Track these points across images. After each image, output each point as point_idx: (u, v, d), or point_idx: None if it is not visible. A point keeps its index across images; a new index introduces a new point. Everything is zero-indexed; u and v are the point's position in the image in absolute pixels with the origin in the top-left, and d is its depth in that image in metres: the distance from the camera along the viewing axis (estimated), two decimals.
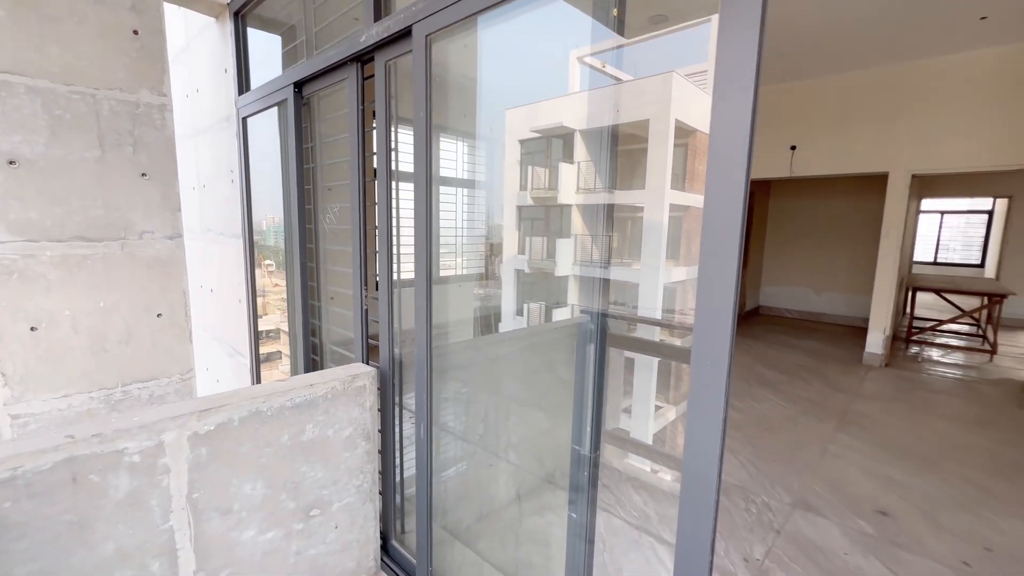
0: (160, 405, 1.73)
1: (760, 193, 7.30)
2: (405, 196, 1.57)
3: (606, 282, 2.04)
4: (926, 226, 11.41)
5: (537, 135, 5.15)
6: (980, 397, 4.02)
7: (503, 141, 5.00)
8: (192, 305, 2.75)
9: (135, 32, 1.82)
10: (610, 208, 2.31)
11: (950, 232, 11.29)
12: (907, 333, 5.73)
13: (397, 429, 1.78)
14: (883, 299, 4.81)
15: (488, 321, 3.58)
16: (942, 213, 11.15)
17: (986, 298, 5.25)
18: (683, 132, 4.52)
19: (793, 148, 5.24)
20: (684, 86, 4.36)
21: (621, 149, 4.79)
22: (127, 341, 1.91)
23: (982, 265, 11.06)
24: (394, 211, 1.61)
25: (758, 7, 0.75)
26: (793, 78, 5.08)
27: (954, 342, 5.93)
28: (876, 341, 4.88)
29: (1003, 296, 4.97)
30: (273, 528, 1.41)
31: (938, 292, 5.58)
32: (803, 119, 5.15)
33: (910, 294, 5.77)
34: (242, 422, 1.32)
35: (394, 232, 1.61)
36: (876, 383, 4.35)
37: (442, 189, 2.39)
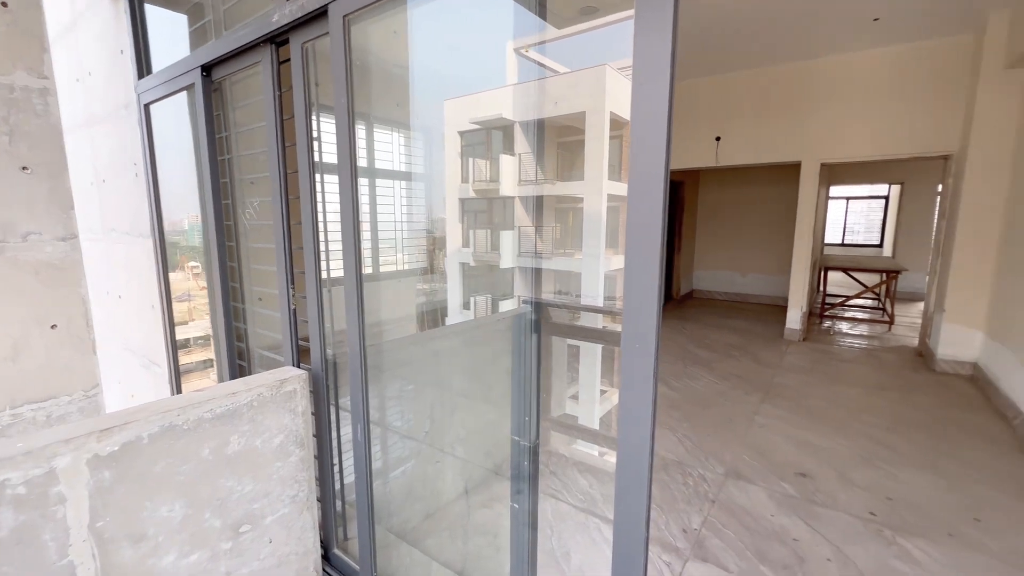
0: (55, 427, 1.54)
1: (691, 183, 7.68)
2: (333, 189, 1.49)
3: (548, 272, 2.05)
4: (834, 211, 12.54)
5: (477, 127, 5.09)
6: (882, 364, 4.49)
7: (442, 133, 4.90)
8: (96, 314, 2.48)
9: (3, 4, 1.59)
10: (549, 200, 2.32)
11: (854, 216, 12.47)
12: (821, 309, 6.28)
13: (335, 433, 1.71)
14: (799, 279, 5.22)
15: (434, 316, 3.51)
16: (847, 199, 12.29)
17: (884, 274, 5.86)
18: (618, 124, 4.63)
19: (718, 139, 5.54)
20: (617, 79, 4.46)
21: (560, 141, 4.85)
22: (14, 358, 1.68)
23: (881, 245, 12.35)
24: (319, 205, 1.52)
25: (670, 2, 0.77)
26: (717, 72, 5.36)
27: (860, 315, 6.58)
28: (795, 318, 5.30)
29: (898, 272, 5.56)
30: (197, 550, 1.31)
31: (845, 271, 6.15)
32: (727, 111, 5.45)
33: (822, 273, 6.32)
34: (153, 439, 1.20)
35: (320, 227, 1.52)
36: (795, 356, 4.73)
37: (380, 182, 2.30)
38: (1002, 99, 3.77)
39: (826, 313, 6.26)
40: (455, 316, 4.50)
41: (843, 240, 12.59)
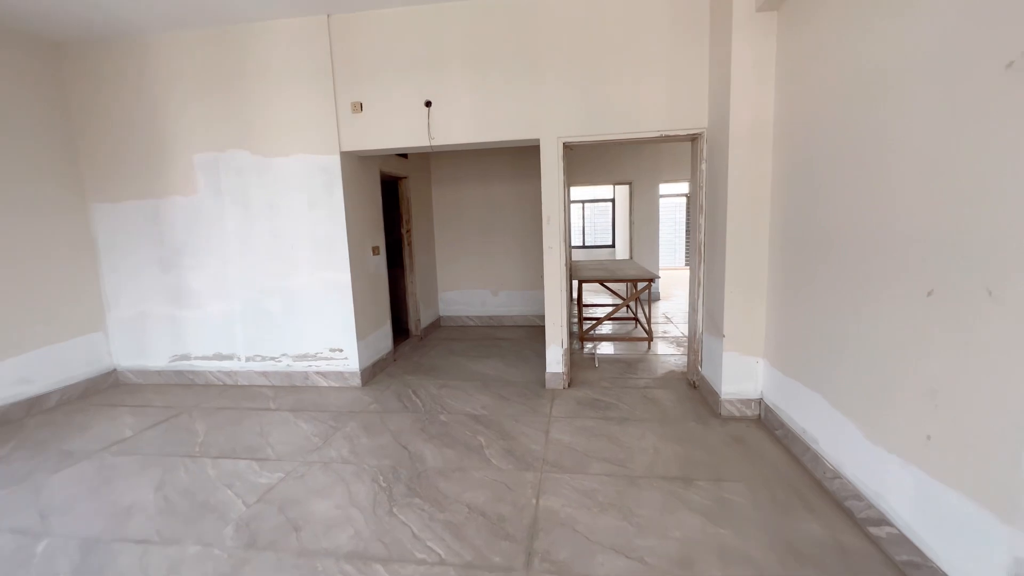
0: None
1: (417, 178, 5.77)
2: None
3: None
4: (575, 215, 12.88)
5: None
6: (665, 416, 3.27)
7: None
8: None
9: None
10: None
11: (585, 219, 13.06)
12: (580, 333, 5.13)
13: None
14: (555, 298, 3.75)
15: None
16: (583, 203, 12.76)
17: (635, 284, 5.03)
18: None
19: (428, 104, 3.65)
20: None
21: None
22: None
23: (613, 245, 13.26)
24: None
25: None
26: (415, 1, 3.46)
27: (620, 331, 5.77)
28: (555, 358, 3.82)
29: (651, 280, 4.75)
30: None
31: (602, 283, 5.15)
32: (437, 62, 3.62)
33: (577, 287, 5.20)
34: None
35: None
36: (563, 425, 3.16)
37: None
38: (762, 50, 2.83)
39: (587, 334, 5.16)
40: None
41: (583, 242, 13.06)
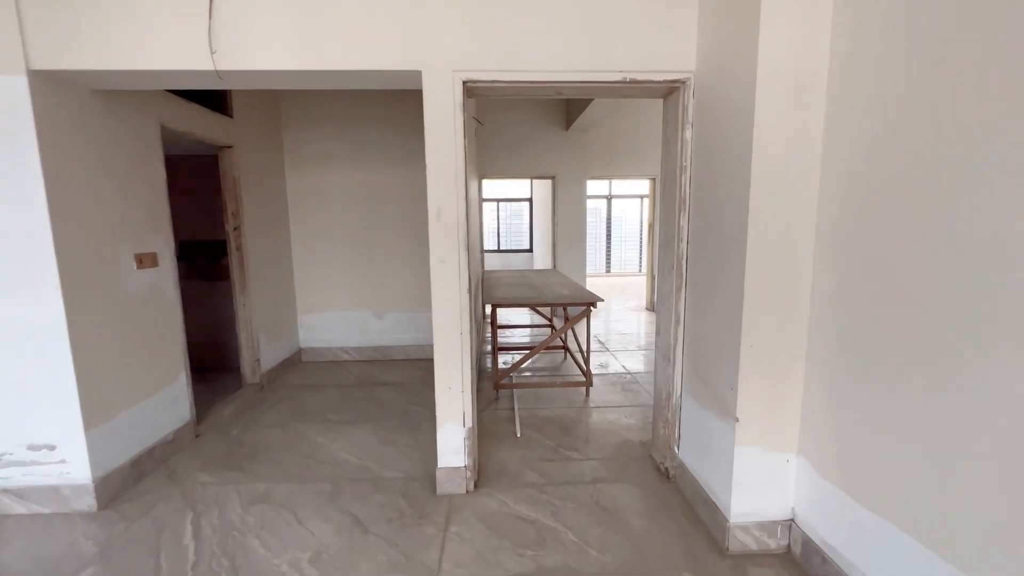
0: None
1: (249, 150, 3.93)
2: None
3: None
4: (488, 215, 11.48)
5: None
6: (634, 548, 1.91)
7: None
8: None
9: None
10: None
11: (493, 222, 11.69)
12: (494, 373, 3.67)
13: None
14: (452, 344, 2.24)
15: None
16: (498, 201, 11.40)
17: (569, 310, 3.68)
18: None
19: None
20: None
21: None
22: None
23: (530, 250, 12.07)
24: None
25: None
26: None
27: (545, 365, 4.40)
28: (454, 444, 2.30)
29: (591, 304, 3.43)
30: None
31: (533, 307, 3.73)
32: None
33: (491, 313, 3.73)
34: None
35: None
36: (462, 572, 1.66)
37: None
38: None
39: (503, 380, 3.70)
40: None
41: (499, 246, 11.71)
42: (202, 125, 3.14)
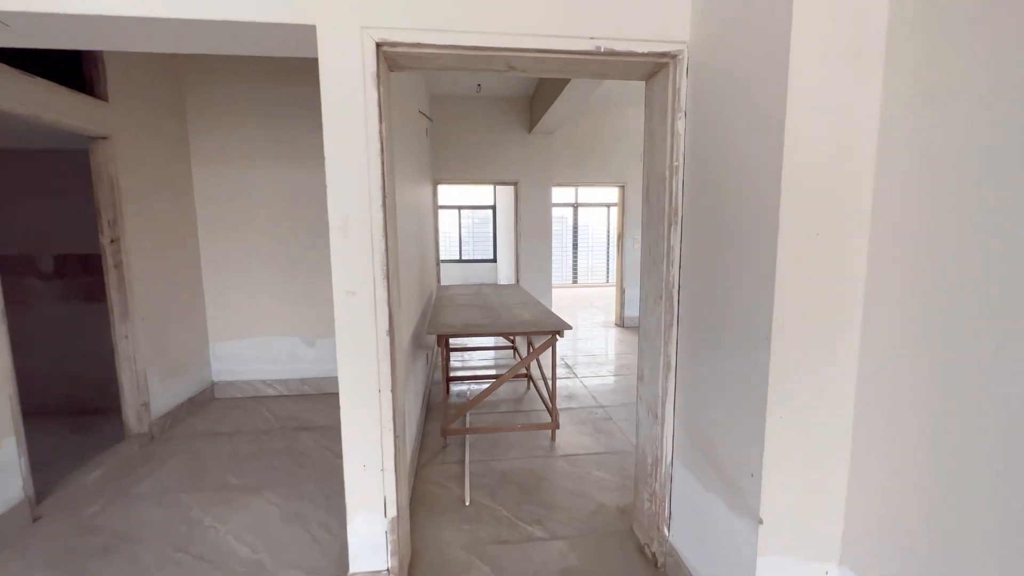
0: None
1: (155, 150, 3.20)
2: None
3: None
4: (447, 224, 10.85)
5: None
6: None
7: None
8: None
9: None
10: None
11: (454, 231, 11.06)
12: (443, 415, 3.05)
13: None
14: (361, 399, 1.63)
15: None
16: (459, 208, 10.79)
17: (532, 341, 3.11)
18: None
19: None
20: None
21: None
22: None
23: (495, 260, 11.51)
24: None
25: None
26: None
27: (504, 396, 3.81)
28: (372, 539, 1.68)
29: (556, 333, 2.88)
30: None
31: (509, 335, 3.14)
32: None
33: (444, 347, 3.11)
34: None
35: None
36: None
37: None
38: None
39: (453, 426, 3.08)
40: None
41: (460, 255, 11.08)
42: (54, 108, 2.40)
